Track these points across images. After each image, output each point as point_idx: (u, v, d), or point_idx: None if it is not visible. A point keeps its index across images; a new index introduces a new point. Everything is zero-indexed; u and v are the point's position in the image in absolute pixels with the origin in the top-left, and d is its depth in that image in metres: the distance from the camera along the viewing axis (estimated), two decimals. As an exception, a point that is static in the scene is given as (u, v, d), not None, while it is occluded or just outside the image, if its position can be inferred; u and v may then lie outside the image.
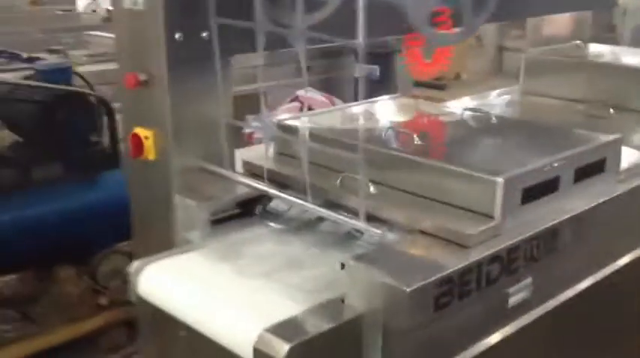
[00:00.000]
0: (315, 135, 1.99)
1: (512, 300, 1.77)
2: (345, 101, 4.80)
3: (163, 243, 2.00)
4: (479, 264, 1.63)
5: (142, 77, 1.92)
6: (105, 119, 3.27)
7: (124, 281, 2.91)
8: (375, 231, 1.65)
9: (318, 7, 1.82)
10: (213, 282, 1.75)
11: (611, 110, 2.66)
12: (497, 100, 3.10)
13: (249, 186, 1.97)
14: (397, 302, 1.50)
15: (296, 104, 4.39)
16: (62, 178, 3.13)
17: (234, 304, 1.65)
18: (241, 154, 2.23)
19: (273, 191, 1.91)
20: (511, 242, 1.70)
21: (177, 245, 1.97)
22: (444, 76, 9.37)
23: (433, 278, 1.53)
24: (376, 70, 5.87)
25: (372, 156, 1.92)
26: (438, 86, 8.07)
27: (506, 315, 1.78)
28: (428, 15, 1.74)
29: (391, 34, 2.25)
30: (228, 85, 2.01)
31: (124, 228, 2.28)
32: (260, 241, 1.91)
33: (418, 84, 7.06)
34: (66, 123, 3.12)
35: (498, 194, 1.71)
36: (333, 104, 3.74)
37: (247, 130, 4.37)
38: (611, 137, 2.03)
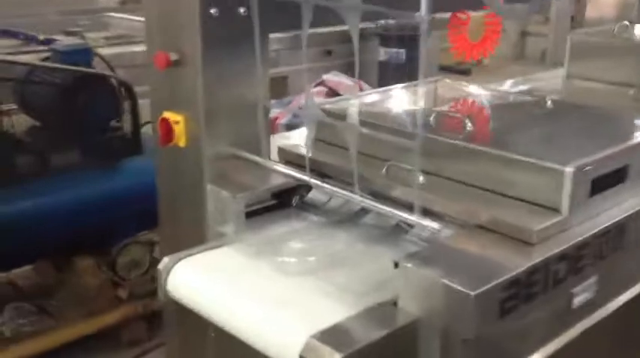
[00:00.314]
0: (360, 121, 1.83)
1: (577, 301, 1.62)
2: (370, 85, 4.63)
3: (194, 237, 1.86)
4: (546, 263, 1.47)
5: (174, 57, 1.77)
6: (126, 104, 3.12)
7: (144, 272, 2.78)
8: (432, 226, 1.49)
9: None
10: (250, 281, 1.61)
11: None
12: (539, 84, 2.92)
13: (289, 175, 1.82)
14: (460, 307, 1.35)
15: (322, 88, 4.22)
16: (81, 165, 3.00)
17: (274, 306, 1.51)
18: (275, 141, 2.09)
19: (315, 181, 1.76)
20: (580, 238, 1.54)
21: (209, 239, 1.83)
22: (466, 61, 9.21)
23: (500, 281, 1.37)
24: (402, 54, 5.73)
25: (423, 143, 1.77)
26: (462, 71, 7.85)
27: (570, 318, 1.63)
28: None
29: (458, 8, 2.07)
30: (265, 65, 1.86)
31: (145, 218, 2.15)
32: (299, 235, 1.76)
33: (442, 68, 6.87)
34: (85, 107, 2.98)
35: (567, 185, 1.55)
36: (362, 88, 3.58)
37: (270, 115, 4.23)
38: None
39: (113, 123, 3.08)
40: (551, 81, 2.99)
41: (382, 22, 5.64)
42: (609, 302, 1.73)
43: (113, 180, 3.10)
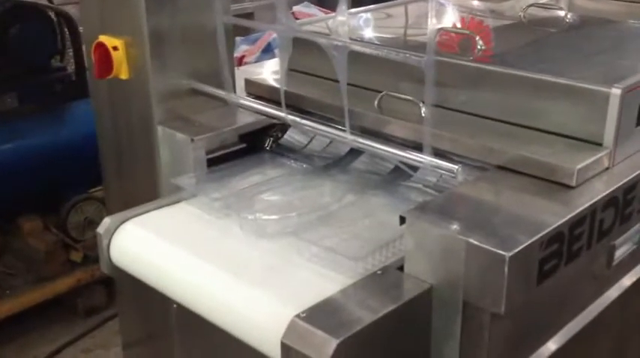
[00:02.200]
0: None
1: (619, 254, 1.32)
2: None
3: (145, 192, 1.53)
4: (593, 211, 1.16)
5: (107, -37, 1.38)
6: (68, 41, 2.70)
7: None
8: (448, 168, 1.16)
9: None
10: (215, 246, 1.28)
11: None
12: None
13: (260, 112, 1.47)
14: (490, 272, 1.03)
15: (305, 19, 3.80)
16: (18, 111, 2.59)
17: (247, 278, 1.18)
18: (242, 74, 1.73)
19: (294, 117, 1.40)
20: (629, 176, 1.23)
21: (163, 194, 1.49)
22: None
23: (539, 236, 1.06)
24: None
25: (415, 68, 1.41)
26: None
27: (610, 275, 1.34)
28: None
29: None
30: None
31: (98, 171, 1.80)
32: (276, 186, 1.43)
33: None
34: (20, 44, 2.55)
35: (612, 111, 1.23)
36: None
37: (236, 54, 3.82)
38: None
39: (54, 62, 2.66)
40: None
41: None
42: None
43: (56, 127, 2.70)
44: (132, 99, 1.54)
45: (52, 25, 2.64)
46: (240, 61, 3.77)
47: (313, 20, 1.90)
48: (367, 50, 1.24)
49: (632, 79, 1.27)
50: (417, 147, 1.31)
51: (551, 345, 1.22)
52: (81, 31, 2.54)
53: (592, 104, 1.25)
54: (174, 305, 1.56)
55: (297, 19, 3.99)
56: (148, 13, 1.46)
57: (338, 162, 1.49)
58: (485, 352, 1.09)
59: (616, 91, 1.23)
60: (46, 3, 2.74)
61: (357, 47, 1.22)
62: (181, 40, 1.53)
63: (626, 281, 1.39)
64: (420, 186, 1.37)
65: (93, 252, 2.76)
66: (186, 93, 1.55)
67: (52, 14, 2.68)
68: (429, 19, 1.46)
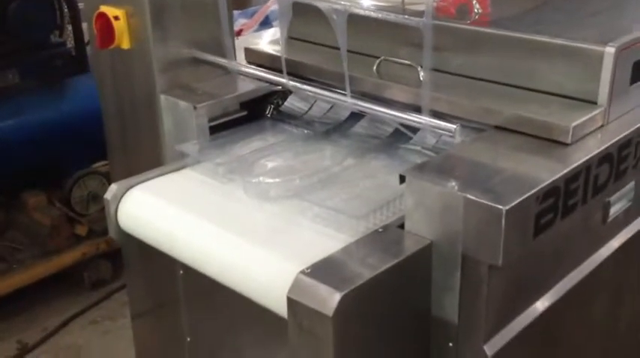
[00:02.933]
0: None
1: (614, 211, 1.35)
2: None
3: (150, 160, 1.56)
4: (587, 167, 1.19)
5: None
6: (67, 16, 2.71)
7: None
8: (447, 128, 1.19)
9: None
10: (219, 208, 1.32)
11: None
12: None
13: (261, 79, 1.49)
14: (488, 226, 1.06)
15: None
16: (19, 87, 2.61)
17: (252, 238, 1.22)
18: (241, 43, 1.74)
19: (295, 83, 1.43)
20: (623, 134, 1.26)
21: (168, 161, 1.52)
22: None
23: (535, 191, 1.09)
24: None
25: (416, 31, 1.43)
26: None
27: (605, 232, 1.37)
28: None
29: None
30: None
31: (101, 145, 1.83)
32: (277, 151, 1.45)
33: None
34: (19, 21, 2.56)
35: (606, 69, 1.26)
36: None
37: (234, 28, 3.82)
38: None
39: (53, 37, 2.67)
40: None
41: None
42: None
43: (57, 103, 2.72)
44: (134, 69, 1.56)
45: (50, 0, 2.65)
46: (238, 34, 3.78)
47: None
48: (367, 13, 1.26)
49: (625, 37, 1.29)
50: (416, 111, 1.33)
51: (548, 299, 1.25)
52: (80, 6, 2.56)
53: (586, 63, 1.28)
54: (181, 272, 1.61)
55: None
56: (148, -17, 1.48)
57: (338, 127, 1.52)
58: (484, 304, 1.12)
59: (610, 50, 1.25)
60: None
61: (357, 10, 1.25)
62: (182, 9, 1.54)
63: (621, 237, 1.43)
64: (419, 148, 1.39)
65: (97, 226, 2.81)
66: (188, 62, 1.57)
67: (50, -10, 2.69)
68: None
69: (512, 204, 1.05)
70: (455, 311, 1.15)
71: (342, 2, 1.25)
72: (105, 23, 1.47)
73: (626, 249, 1.43)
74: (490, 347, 1.14)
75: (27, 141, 2.64)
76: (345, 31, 1.26)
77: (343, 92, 1.41)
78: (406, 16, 1.21)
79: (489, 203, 1.05)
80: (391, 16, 1.26)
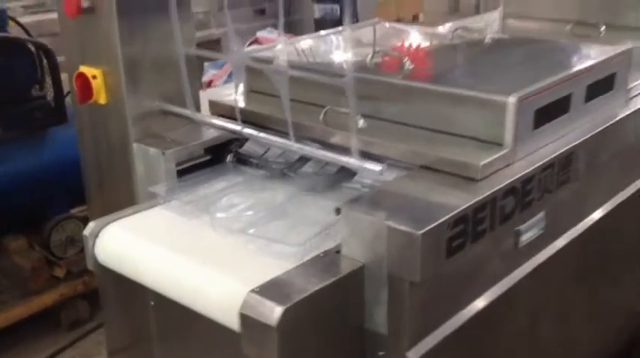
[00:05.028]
0: (292, 65, 1.72)
1: (525, 238, 1.57)
2: (307, 43, 4.49)
3: (124, 201, 1.74)
4: (493, 199, 1.41)
5: (85, 3, 1.61)
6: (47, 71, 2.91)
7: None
8: (372, 168, 1.41)
9: None
10: (184, 240, 1.51)
11: (601, 28, 2.44)
12: (477, 26, 2.85)
13: (221, 128, 1.71)
14: (406, 249, 1.28)
15: (256, 47, 4.06)
16: (2, 138, 2.79)
17: (212, 265, 1.41)
18: (207, 95, 1.96)
19: (249, 131, 1.65)
20: (526, 171, 1.49)
21: (141, 202, 1.71)
22: (402, 17, 9.17)
23: (445, 218, 1.31)
24: (336, 9, 5.54)
25: (360, 85, 1.67)
26: (399, 26, 7.78)
27: (519, 256, 1.59)
28: None
29: None
30: (186, 12, 1.72)
31: (78, 191, 2.01)
32: (236, 190, 1.66)
33: (379, 24, 6.77)
34: (3, 76, 2.76)
35: (509, 117, 1.49)
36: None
37: (205, 78, 4.06)
38: (621, 48, 1.81)
39: (34, 91, 2.87)
40: (488, 22, 2.92)
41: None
42: (559, 238, 1.70)
43: (38, 152, 2.90)
44: (110, 121, 1.77)
45: (31, 56, 2.85)
46: (209, 85, 4.02)
47: (262, 48, 2.14)
48: (298, 74, 1.50)
49: (527, 89, 1.53)
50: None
51: (467, 313, 1.46)
52: (60, 61, 2.75)
53: (494, 112, 1.51)
54: (152, 303, 1.79)
55: (260, 43, 4.27)
56: (122, 45, 1.68)
57: (290, 168, 1.73)
58: (407, 316, 1.33)
59: (512, 100, 1.49)
60: (26, 37, 2.95)
61: (293, 72, 1.48)
62: (152, 67, 1.76)
63: (535, 261, 1.64)
64: (358, 186, 1.61)
65: (75, 268, 2.96)
66: (158, 113, 1.78)
67: (31, 47, 2.89)
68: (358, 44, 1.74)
69: (426, 229, 1.27)
70: (384, 323, 1.35)
71: (282, 64, 1.47)
72: (84, 82, 1.68)
73: (541, 271, 1.65)
74: (413, 354, 1.34)
75: (10, 189, 2.80)
76: (287, 88, 1.48)
77: (292, 139, 1.63)
78: (330, 76, 1.44)
79: (406, 229, 1.27)
80: (317, 77, 1.49)
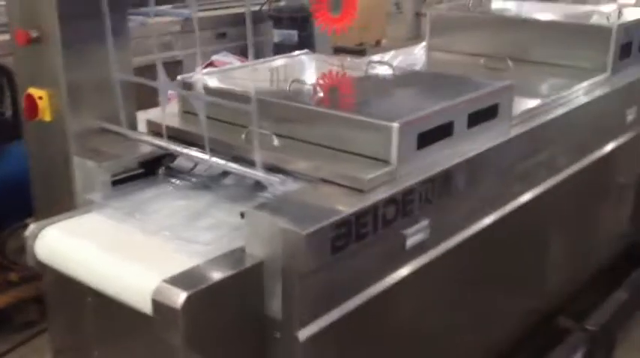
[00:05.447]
0: (213, 90, 1.98)
1: (410, 242, 1.83)
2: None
3: (65, 206, 1.96)
4: (375, 207, 1.68)
5: (34, 34, 1.86)
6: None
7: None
8: (273, 179, 1.67)
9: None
10: (114, 241, 1.74)
11: (510, 62, 2.76)
12: (404, 57, 3.16)
13: (148, 143, 1.95)
14: (295, 246, 1.53)
15: (211, 69, 4.31)
16: (-39, 151, 3.00)
17: (135, 260, 1.65)
18: (146, 114, 2.20)
19: (175, 148, 1.90)
20: (406, 185, 1.76)
21: (79, 208, 1.94)
22: (365, 42, 9.52)
23: (329, 221, 1.57)
24: (294, 35, 5.93)
25: (275, 109, 1.95)
26: (357, 51, 8.12)
27: (405, 256, 1.85)
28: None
29: None
30: (124, 41, 1.97)
31: (32, 202, 2.22)
32: (163, 198, 1.90)
33: (337, 49, 7.09)
34: (-37, 94, 2.98)
35: (394, 139, 1.76)
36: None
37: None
38: (503, 84, 2.11)
39: (-6, 108, 3.09)
40: (417, 54, 3.23)
41: (275, 3, 5.80)
42: (443, 243, 1.97)
43: (-4, 165, 3.11)
44: (54, 137, 1.99)
45: (-9, 76, 3.07)
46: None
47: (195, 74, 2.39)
48: (212, 100, 1.76)
49: (411, 116, 1.81)
50: (270, 169, 1.81)
51: (355, 301, 1.71)
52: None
53: (382, 135, 1.77)
54: (89, 298, 2.01)
55: (215, 66, 4.52)
56: (66, 71, 1.92)
57: (212, 180, 1.98)
58: (298, 302, 1.57)
59: (396, 126, 1.76)
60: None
61: (209, 99, 1.74)
62: (93, 89, 1.99)
63: (421, 261, 1.90)
64: (269, 195, 1.87)
65: (28, 273, 3.15)
66: (97, 130, 2.01)
67: (-9, 67, 3.11)
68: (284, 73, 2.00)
69: (311, 230, 1.52)
70: (279, 310, 1.60)
71: (199, 91, 1.73)
72: (31, 102, 1.92)
73: (426, 270, 1.91)
74: (302, 335, 1.59)
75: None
76: (204, 112, 1.74)
77: (215, 155, 1.87)
78: (237, 103, 1.70)
79: (295, 229, 1.52)
80: (225, 103, 1.76)
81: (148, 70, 2.00)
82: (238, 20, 5.71)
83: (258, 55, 6.34)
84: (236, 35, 5.67)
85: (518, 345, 2.46)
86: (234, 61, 4.51)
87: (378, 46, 9.27)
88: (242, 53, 5.58)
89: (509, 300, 2.41)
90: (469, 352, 2.24)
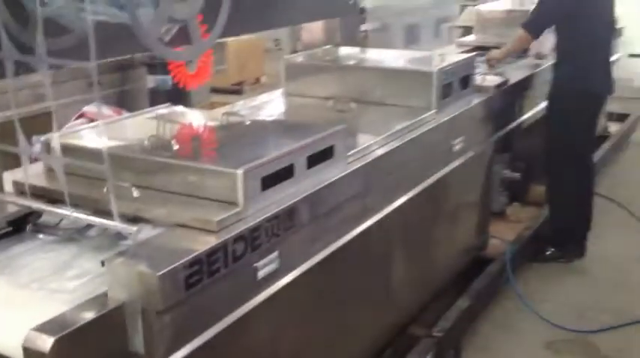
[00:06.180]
0: (72, 148, 2.17)
1: (262, 273, 2.09)
2: (136, 114, 4.89)
3: None
4: (224, 245, 1.92)
5: None
6: None
7: None
8: (130, 229, 1.87)
9: (64, 32, 2.00)
10: (-16, 295, 1.87)
11: (352, 104, 3.11)
12: (263, 103, 3.44)
13: (13, 203, 2.10)
14: (151, 286, 1.74)
15: (83, 121, 4.40)
16: None
17: (5, 312, 1.79)
18: (13, 175, 2.33)
19: (37, 205, 2.06)
20: (252, 223, 2.02)
21: (-50, 267, 2.05)
22: (244, 80, 9.82)
23: (181, 261, 1.79)
24: (168, 80, 6.13)
25: (133, 163, 2.16)
26: (234, 91, 8.43)
27: (258, 286, 2.09)
28: (159, 35, 1.97)
29: (128, 54, 2.47)
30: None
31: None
32: (30, 253, 2.05)
33: (215, 90, 7.34)
34: None
35: (239, 184, 2.01)
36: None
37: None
38: (338, 127, 2.43)
39: None
40: (276, 99, 3.53)
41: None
42: (293, 271, 2.23)
43: None
44: None
45: None
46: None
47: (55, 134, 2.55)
48: (67, 161, 1.95)
49: (254, 162, 2.07)
50: (130, 219, 2.00)
51: (214, 330, 1.93)
52: None
53: (227, 181, 2.02)
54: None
55: (88, 118, 4.59)
56: None
57: (78, 233, 2.15)
58: (159, 338, 1.78)
59: (240, 172, 2.02)
60: None
61: (66, 160, 1.93)
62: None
63: (273, 288, 2.16)
64: (131, 243, 2.06)
65: None
66: (-36, 194, 2.14)
67: None
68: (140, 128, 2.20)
69: (164, 270, 1.74)
70: (142, 345, 1.79)
71: (57, 153, 1.92)
72: None
73: (280, 296, 2.17)
74: (165, 367, 1.80)
75: None
76: (62, 172, 1.92)
77: (79, 211, 2.04)
78: (91, 163, 1.91)
79: (149, 271, 1.73)
80: (79, 164, 1.97)
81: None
82: (113, 68, 5.83)
83: (133, 102, 6.47)
84: (111, 82, 5.79)
85: (377, 356, 2.76)
86: (104, 110, 4.60)
87: (257, 83, 9.58)
88: (118, 100, 5.71)
89: (364, 315, 2.71)
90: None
